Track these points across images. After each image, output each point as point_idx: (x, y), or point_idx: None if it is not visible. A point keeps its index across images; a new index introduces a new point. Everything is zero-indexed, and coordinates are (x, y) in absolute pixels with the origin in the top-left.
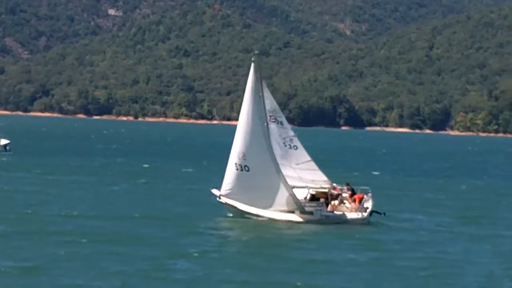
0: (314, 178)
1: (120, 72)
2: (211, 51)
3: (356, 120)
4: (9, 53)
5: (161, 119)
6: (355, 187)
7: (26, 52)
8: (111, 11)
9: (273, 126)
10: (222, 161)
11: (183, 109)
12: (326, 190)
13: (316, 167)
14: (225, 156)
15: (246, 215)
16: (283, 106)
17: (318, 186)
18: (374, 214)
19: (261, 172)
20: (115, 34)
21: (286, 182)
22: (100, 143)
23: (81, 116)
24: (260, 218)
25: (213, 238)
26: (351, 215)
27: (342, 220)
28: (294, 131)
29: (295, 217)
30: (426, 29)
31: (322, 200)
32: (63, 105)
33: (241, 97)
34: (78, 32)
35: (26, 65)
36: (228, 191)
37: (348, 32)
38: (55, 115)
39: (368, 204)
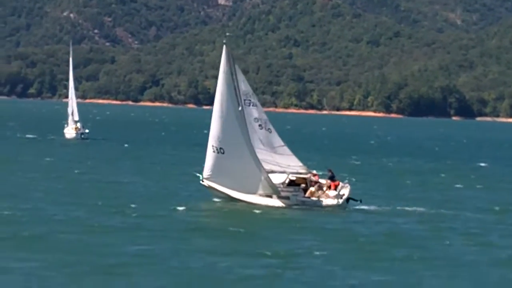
0: (290, 163)
1: None
2: (321, 41)
3: (466, 111)
4: (120, 43)
5: (271, 109)
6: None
7: (136, 42)
8: (221, 1)
9: (248, 109)
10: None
11: (293, 99)
12: (306, 176)
13: (290, 152)
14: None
15: (232, 199)
16: (393, 96)
17: (294, 171)
18: (350, 201)
19: (235, 154)
20: (225, 24)
21: (261, 166)
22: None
23: (191, 106)
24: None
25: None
26: (327, 201)
27: (318, 206)
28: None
29: (272, 202)
30: None
31: (302, 185)
32: (173, 94)
33: (350, 87)
34: (188, 22)
35: (136, 55)
36: (208, 174)
37: (459, 22)
38: (165, 104)
39: (345, 191)
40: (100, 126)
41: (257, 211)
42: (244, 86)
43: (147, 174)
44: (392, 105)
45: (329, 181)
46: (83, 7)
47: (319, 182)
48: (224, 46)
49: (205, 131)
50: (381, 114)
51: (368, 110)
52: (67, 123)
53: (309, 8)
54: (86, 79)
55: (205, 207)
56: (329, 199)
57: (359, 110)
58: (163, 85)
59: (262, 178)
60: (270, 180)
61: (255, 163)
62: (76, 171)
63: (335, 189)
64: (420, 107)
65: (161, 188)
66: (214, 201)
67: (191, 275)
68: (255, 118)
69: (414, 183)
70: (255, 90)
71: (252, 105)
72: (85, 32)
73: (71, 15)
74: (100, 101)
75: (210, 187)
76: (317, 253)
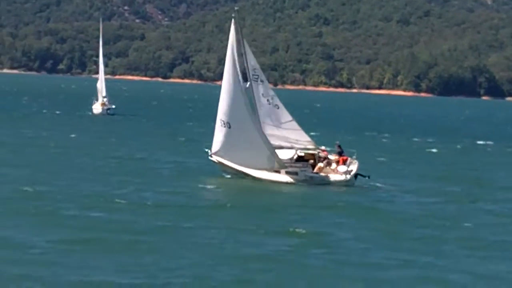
0: (298, 138)
1: (260, 40)
2: (351, 20)
3: (496, 90)
4: (149, 19)
5: (300, 87)
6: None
7: (166, 19)
8: None
9: (256, 84)
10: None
11: (323, 77)
12: (315, 152)
13: (298, 127)
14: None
15: (239, 174)
16: (423, 75)
17: (302, 146)
18: (359, 177)
19: (241, 129)
20: (255, 2)
21: (268, 141)
22: None
23: (220, 83)
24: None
25: None
26: (336, 176)
27: (326, 182)
28: (275, 91)
29: (280, 177)
30: None
31: (311, 161)
32: (202, 71)
33: (380, 66)
34: None
35: (166, 32)
36: (217, 148)
37: (489, 2)
38: (194, 81)
39: (353, 167)
40: (129, 102)
41: (281, 189)
42: (252, 61)
43: (174, 150)
44: (421, 84)
45: (337, 156)
46: None
47: (327, 157)
48: (233, 20)
49: None
50: (410, 93)
51: (398, 89)
52: (97, 99)
53: None
54: (115, 55)
55: (231, 184)
56: (337, 174)
57: (388, 89)
58: (192, 62)
59: (269, 153)
60: (277, 155)
61: (261, 138)
62: (102, 147)
63: (344, 164)
64: (450, 87)
65: (188, 165)
66: (239, 178)
67: (217, 251)
68: (263, 94)
69: (444, 163)
70: (284, 68)
71: (260, 81)
72: (115, 9)
73: None
74: (130, 77)
75: (219, 163)
76: (344, 231)
